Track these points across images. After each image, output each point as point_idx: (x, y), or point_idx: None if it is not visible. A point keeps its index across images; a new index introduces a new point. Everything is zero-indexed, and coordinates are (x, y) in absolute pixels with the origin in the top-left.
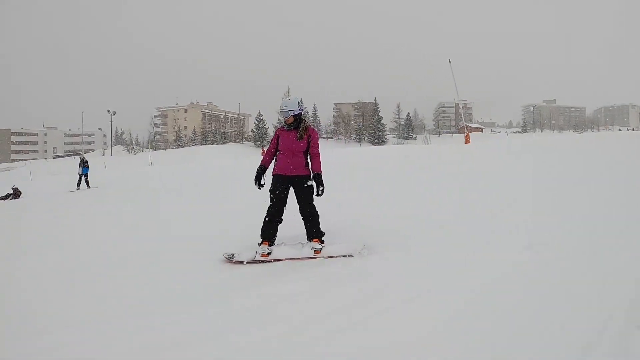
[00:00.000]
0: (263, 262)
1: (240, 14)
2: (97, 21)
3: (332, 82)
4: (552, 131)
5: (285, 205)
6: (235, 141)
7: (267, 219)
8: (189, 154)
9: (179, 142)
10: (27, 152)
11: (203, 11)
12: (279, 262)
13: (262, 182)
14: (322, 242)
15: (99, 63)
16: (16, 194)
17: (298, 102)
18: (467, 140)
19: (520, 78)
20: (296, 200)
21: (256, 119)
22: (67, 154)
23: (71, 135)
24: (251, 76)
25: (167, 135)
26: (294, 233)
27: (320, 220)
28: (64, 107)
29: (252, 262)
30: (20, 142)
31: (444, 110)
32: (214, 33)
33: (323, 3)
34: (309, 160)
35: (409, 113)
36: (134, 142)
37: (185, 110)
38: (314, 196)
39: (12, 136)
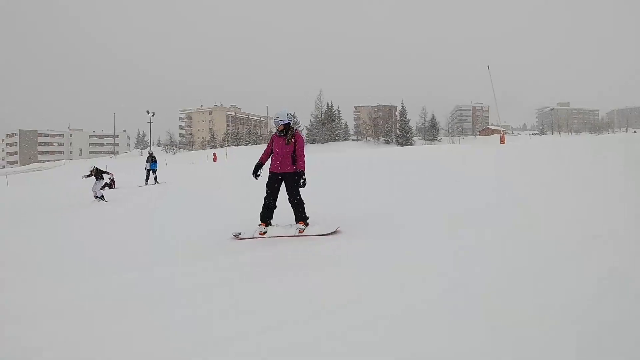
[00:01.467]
0: (260, 238)
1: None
2: (127, 24)
3: (352, 85)
4: (570, 133)
5: (277, 195)
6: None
7: (263, 205)
8: (230, 153)
9: (213, 143)
10: (53, 153)
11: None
12: (272, 238)
13: (258, 174)
14: (307, 224)
15: (123, 66)
16: (111, 185)
17: (287, 114)
18: (502, 141)
19: (527, 81)
20: (286, 192)
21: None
22: (95, 155)
23: (96, 136)
24: (274, 79)
25: (190, 137)
26: (289, 219)
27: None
28: (88, 109)
29: (253, 238)
30: (46, 144)
31: (461, 113)
32: (241, 34)
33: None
34: (294, 159)
35: (433, 115)
36: (170, 143)
37: (210, 113)
38: (299, 188)
39: (38, 137)
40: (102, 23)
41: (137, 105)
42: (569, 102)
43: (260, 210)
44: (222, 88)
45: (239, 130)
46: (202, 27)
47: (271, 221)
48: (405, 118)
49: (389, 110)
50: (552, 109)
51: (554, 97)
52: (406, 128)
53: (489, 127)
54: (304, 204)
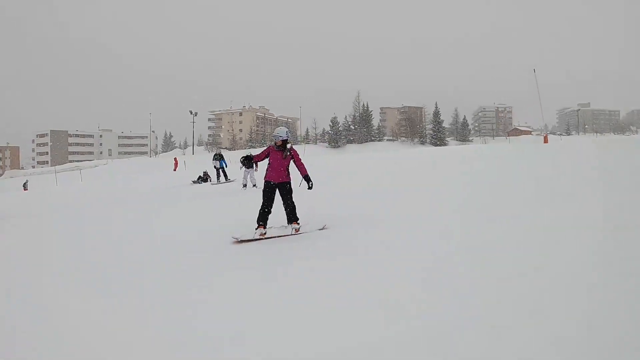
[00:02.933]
0: (261, 239)
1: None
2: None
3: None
4: (596, 134)
5: (272, 201)
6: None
7: (260, 210)
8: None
9: (251, 144)
10: (83, 153)
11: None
12: (271, 238)
13: (244, 162)
14: (298, 224)
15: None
16: (205, 178)
17: (286, 132)
18: (545, 140)
19: (544, 82)
20: (281, 198)
21: (331, 121)
22: (124, 155)
23: (125, 137)
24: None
25: (219, 138)
26: (276, 220)
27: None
28: (117, 110)
29: (253, 240)
30: (77, 144)
31: (485, 114)
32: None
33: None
34: (289, 169)
35: (465, 116)
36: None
37: (240, 114)
38: (307, 190)
39: (69, 138)
40: (132, 24)
41: (164, 105)
42: (589, 103)
43: (257, 215)
44: (248, 90)
45: (265, 132)
46: (228, 31)
47: (267, 224)
48: (439, 119)
49: (414, 111)
50: (578, 110)
51: (568, 97)
52: (440, 129)
53: (518, 128)
54: (295, 208)
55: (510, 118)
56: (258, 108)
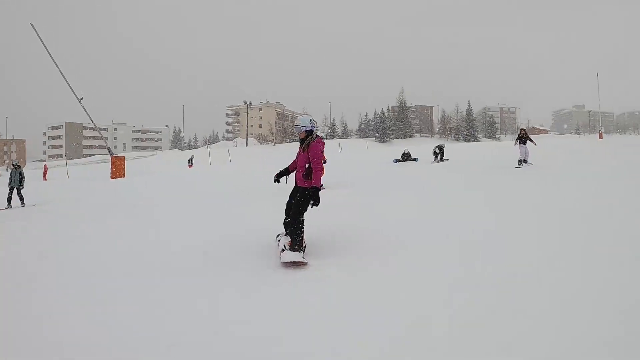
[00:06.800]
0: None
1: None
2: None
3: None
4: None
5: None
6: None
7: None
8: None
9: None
10: (97, 147)
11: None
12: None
13: (278, 180)
14: (293, 246)
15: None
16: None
17: (310, 120)
18: (600, 137)
19: (532, 84)
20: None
21: (379, 116)
22: (137, 150)
23: (138, 131)
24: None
25: (238, 133)
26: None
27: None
28: (130, 103)
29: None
30: (91, 137)
31: (491, 115)
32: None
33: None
34: (310, 172)
35: (492, 115)
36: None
37: (260, 109)
38: (308, 207)
39: (83, 130)
40: (158, 13)
41: (170, 100)
42: (584, 105)
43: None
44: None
45: (285, 127)
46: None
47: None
48: (472, 116)
49: (425, 110)
50: (589, 111)
51: (559, 98)
52: (473, 126)
53: (536, 127)
54: (301, 228)
55: (514, 118)
56: (276, 103)
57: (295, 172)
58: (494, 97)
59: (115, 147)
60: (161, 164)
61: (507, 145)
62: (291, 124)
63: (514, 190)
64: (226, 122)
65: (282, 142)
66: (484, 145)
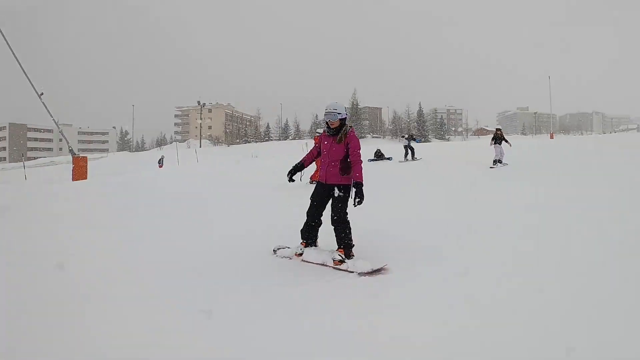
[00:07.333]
0: (296, 259)
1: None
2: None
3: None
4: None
5: (322, 210)
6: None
7: (305, 221)
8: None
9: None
10: (42, 149)
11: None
12: (304, 263)
13: (292, 178)
14: (348, 253)
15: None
16: None
17: (344, 107)
18: (551, 137)
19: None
20: (330, 207)
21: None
22: (85, 152)
23: (84, 133)
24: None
25: (187, 134)
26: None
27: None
28: (77, 104)
29: (287, 257)
30: (35, 139)
31: (441, 117)
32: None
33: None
34: (347, 167)
35: (442, 116)
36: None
37: (210, 110)
38: (353, 206)
39: (28, 132)
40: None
41: (120, 100)
42: (527, 107)
43: (302, 225)
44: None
45: (236, 129)
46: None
47: (314, 241)
48: (423, 118)
49: (373, 112)
50: (535, 113)
51: (501, 101)
52: (424, 127)
53: (484, 128)
54: (349, 227)
55: (460, 119)
56: (226, 104)
57: (319, 168)
58: (442, 99)
59: (60, 149)
60: (126, 164)
61: (479, 144)
62: (242, 126)
63: (513, 191)
64: (175, 124)
65: (232, 144)
66: (455, 145)
